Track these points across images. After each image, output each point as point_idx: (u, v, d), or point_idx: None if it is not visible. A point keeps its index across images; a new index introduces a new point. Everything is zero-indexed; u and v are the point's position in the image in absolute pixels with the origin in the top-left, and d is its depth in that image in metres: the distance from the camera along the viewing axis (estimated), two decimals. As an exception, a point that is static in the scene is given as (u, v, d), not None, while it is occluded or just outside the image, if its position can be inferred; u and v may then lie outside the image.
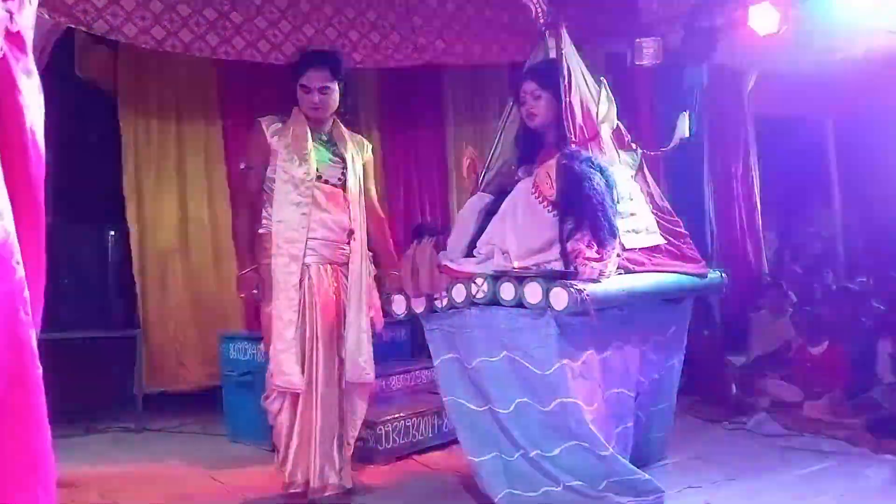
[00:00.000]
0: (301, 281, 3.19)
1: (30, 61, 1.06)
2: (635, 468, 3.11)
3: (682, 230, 3.68)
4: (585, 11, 4.95)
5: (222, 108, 5.58)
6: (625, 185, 3.42)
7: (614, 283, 3.06)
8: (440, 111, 6.30)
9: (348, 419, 3.33)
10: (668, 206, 3.72)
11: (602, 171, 3.14)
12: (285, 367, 3.14)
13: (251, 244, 3.28)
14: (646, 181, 3.70)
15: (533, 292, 2.88)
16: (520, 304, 2.94)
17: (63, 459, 3.31)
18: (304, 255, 3.18)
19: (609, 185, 3.13)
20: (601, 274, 2.96)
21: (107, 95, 5.31)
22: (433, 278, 3.08)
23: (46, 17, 3.85)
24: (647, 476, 3.12)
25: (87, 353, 4.86)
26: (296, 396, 3.19)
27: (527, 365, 2.95)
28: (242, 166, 3.35)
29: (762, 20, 4.83)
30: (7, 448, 0.99)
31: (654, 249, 3.46)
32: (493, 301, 3.01)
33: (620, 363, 3.24)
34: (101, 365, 5.08)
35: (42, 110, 1.09)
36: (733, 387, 5.20)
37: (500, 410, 3.01)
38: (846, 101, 7.15)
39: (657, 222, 3.56)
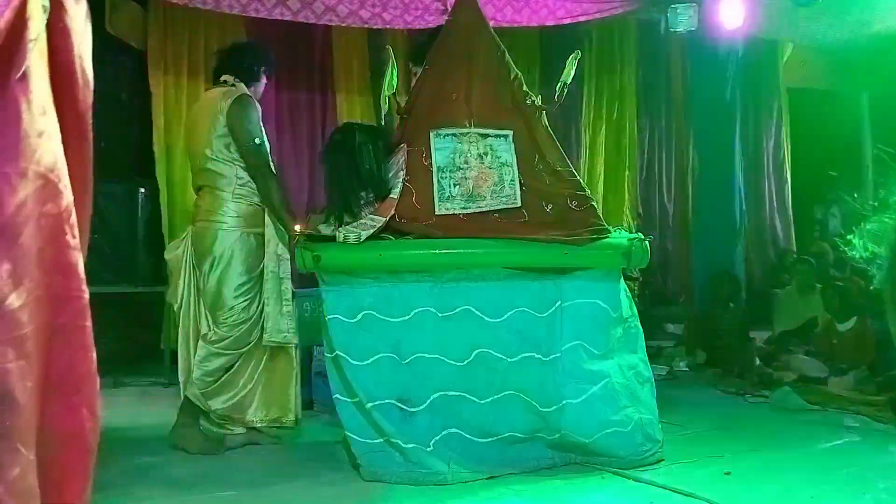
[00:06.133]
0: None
1: (78, -15, 1.06)
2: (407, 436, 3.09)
3: (581, 194, 3.40)
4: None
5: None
6: (458, 154, 3.33)
7: (371, 249, 3.12)
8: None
9: None
10: (565, 170, 3.44)
11: (366, 143, 3.29)
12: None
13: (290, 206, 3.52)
14: (534, 143, 3.43)
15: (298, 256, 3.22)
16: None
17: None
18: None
19: (367, 156, 3.26)
20: (357, 238, 3.10)
21: (137, 53, 5.32)
22: None
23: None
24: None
25: (116, 309, 4.93)
26: None
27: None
28: (258, 141, 3.44)
29: (801, -12, 4.71)
30: (53, 369, 1.01)
31: (509, 216, 3.29)
32: None
33: (431, 329, 3.16)
34: (129, 320, 5.16)
35: (90, 38, 1.09)
36: (757, 361, 5.17)
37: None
38: (882, 74, 6.98)
39: (530, 187, 3.34)
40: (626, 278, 6.43)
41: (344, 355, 3.11)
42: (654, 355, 5.82)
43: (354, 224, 3.17)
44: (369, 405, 3.08)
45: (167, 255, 3.57)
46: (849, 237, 0.40)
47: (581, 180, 3.47)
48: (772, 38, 6.52)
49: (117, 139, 5.29)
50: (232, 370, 3.49)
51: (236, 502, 2.94)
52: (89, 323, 1.08)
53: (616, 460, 3.23)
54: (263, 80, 3.64)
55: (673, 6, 5.27)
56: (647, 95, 6.82)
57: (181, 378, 3.54)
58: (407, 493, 2.96)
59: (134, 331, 5.20)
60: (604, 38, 6.64)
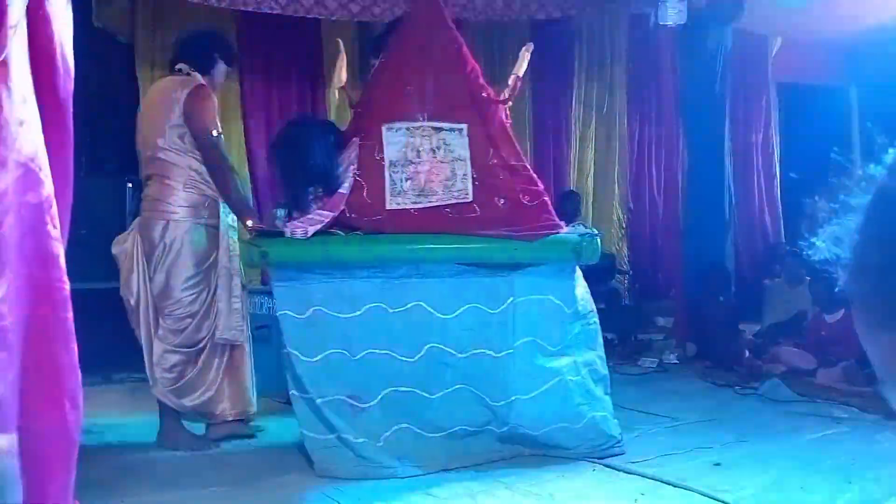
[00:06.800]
0: None
1: (58, -28, 1.04)
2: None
3: (534, 189, 3.35)
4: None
5: (240, 61, 5.54)
6: (410, 148, 3.29)
7: (318, 244, 3.13)
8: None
9: None
10: (519, 164, 3.40)
11: (316, 137, 3.28)
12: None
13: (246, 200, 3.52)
14: (489, 136, 3.38)
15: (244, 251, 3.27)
16: None
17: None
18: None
19: (316, 151, 3.24)
20: (304, 233, 3.10)
21: (124, 46, 5.28)
22: None
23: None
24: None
25: (105, 304, 4.90)
26: None
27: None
28: (216, 133, 3.38)
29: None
30: (34, 362, 1.00)
31: (461, 211, 3.26)
32: None
33: (381, 325, 3.15)
34: (118, 316, 5.11)
35: (70, 25, 1.08)
36: (746, 353, 5.19)
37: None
38: (871, 68, 7.01)
39: (483, 182, 3.30)
40: (618, 272, 6.54)
41: (294, 352, 3.09)
42: (644, 348, 5.89)
43: (302, 219, 3.15)
44: (320, 401, 3.07)
45: (114, 250, 3.44)
46: (812, 240, 0.40)
47: (534, 175, 3.42)
48: (761, 32, 6.53)
49: (105, 133, 5.25)
50: (198, 368, 3.43)
51: (227, 498, 2.93)
52: (70, 315, 1.07)
53: (564, 451, 3.24)
54: (222, 67, 3.55)
55: (662, 0, 5.28)
56: (637, 89, 6.82)
57: (149, 373, 3.47)
58: (407, 486, 2.96)
59: (123, 326, 5.16)
60: (594, 32, 6.65)
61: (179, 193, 3.34)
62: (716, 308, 5.65)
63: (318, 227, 3.11)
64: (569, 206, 6.32)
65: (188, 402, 3.43)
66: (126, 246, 3.40)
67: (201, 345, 3.43)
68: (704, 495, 2.82)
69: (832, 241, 0.42)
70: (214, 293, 3.43)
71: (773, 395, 4.42)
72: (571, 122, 6.72)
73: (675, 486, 2.93)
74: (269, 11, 4.63)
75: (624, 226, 6.93)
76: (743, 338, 5.50)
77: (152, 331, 3.42)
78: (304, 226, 3.11)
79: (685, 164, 6.40)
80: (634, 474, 3.09)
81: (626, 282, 6.72)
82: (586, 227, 3.42)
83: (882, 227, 0.39)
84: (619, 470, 3.14)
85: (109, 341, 4.55)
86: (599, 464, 3.21)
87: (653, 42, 5.89)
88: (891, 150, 0.41)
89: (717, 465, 3.20)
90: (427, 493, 2.90)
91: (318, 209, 3.19)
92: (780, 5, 5.27)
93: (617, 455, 3.28)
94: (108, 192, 5.02)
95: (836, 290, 0.43)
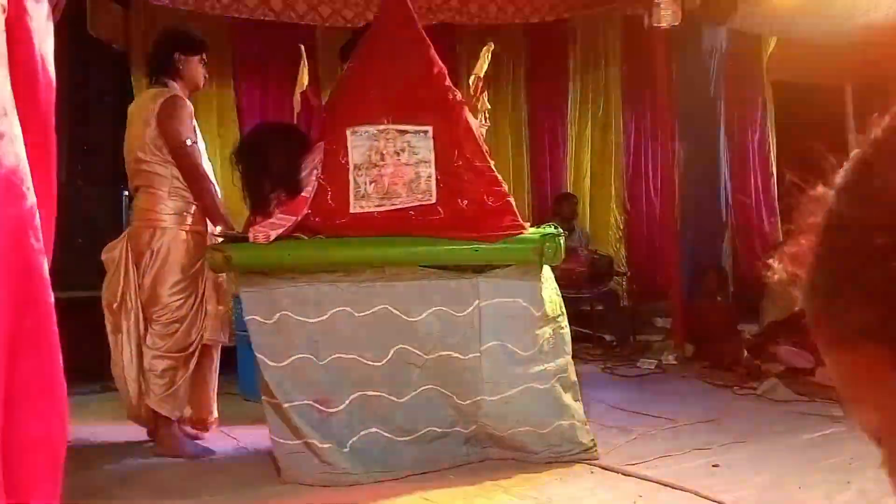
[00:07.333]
0: None
1: (38, -16, 1.04)
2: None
3: (498, 190, 3.31)
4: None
5: (235, 68, 5.56)
6: (374, 152, 3.29)
7: (279, 249, 3.12)
8: (453, 73, 6.24)
9: None
10: (482, 165, 3.33)
11: (278, 142, 3.32)
12: None
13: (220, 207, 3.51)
14: (454, 138, 3.34)
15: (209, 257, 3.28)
16: None
17: (78, 417, 3.37)
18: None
19: (278, 155, 3.26)
20: (266, 238, 3.09)
21: (119, 55, 5.28)
22: None
23: (58, -28, 3.82)
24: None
25: (102, 313, 4.90)
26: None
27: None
28: (189, 143, 3.42)
29: (783, -19, 4.73)
30: (20, 374, 1.00)
31: (424, 213, 3.24)
32: None
33: (348, 329, 3.15)
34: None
35: (51, 37, 1.08)
36: (745, 353, 5.19)
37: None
38: (866, 67, 7.01)
39: (447, 184, 3.27)
40: (616, 273, 6.53)
41: (262, 357, 3.10)
42: (642, 349, 5.89)
43: (264, 223, 3.16)
44: (287, 406, 3.06)
45: (103, 256, 3.53)
46: (769, 261, 0.41)
47: (499, 176, 3.37)
48: (755, 31, 6.54)
49: (100, 142, 5.25)
50: (189, 372, 3.47)
51: (224, 506, 2.92)
52: (55, 327, 1.07)
53: (531, 455, 3.22)
54: (193, 62, 3.55)
55: (657, 1, 5.28)
56: (632, 91, 6.83)
57: (122, 375, 3.49)
58: (404, 487, 2.96)
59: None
60: (588, 34, 6.66)
61: (165, 202, 3.41)
62: (714, 308, 5.66)
63: (280, 231, 3.11)
64: (566, 208, 6.34)
65: (189, 410, 3.50)
66: (114, 253, 3.48)
67: (191, 349, 3.47)
68: (703, 497, 2.82)
69: (790, 260, 0.43)
70: (202, 299, 3.47)
71: (772, 394, 4.42)
72: (567, 124, 6.72)
73: (673, 488, 2.93)
74: (263, 18, 4.63)
75: (621, 227, 6.94)
76: (741, 337, 5.49)
77: (142, 340, 3.45)
78: (266, 230, 3.11)
79: (681, 165, 6.41)
80: (633, 476, 3.08)
81: (623, 283, 6.72)
82: (554, 228, 3.38)
83: (831, 252, 0.40)
84: (617, 472, 3.14)
85: (106, 349, 4.54)
86: (597, 466, 3.20)
87: (647, 43, 5.90)
88: (839, 171, 0.42)
89: (716, 466, 3.19)
90: (424, 499, 2.89)
91: (280, 213, 3.19)
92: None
93: (590, 461, 3.25)
94: (103, 201, 5.03)
95: (796, 309, 0.44)
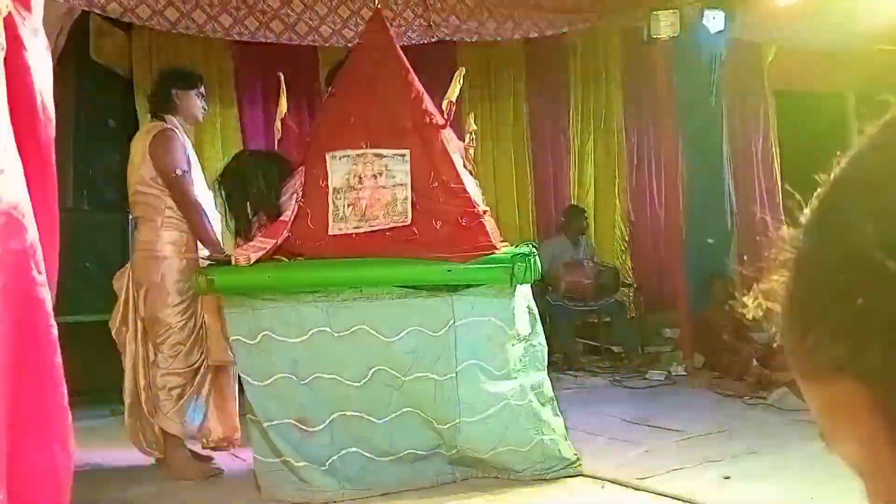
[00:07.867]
0: None
1: (36, 20, 1.05)
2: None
3: (471, 211, 3.31)
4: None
5: (238, 90, 5.60)
6: (353, 175, 3.35)
7: (260, 270, 3.18)
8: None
9: None
10: (457, 186, 3.34)
11: (258, 167, 3.42)
12: None
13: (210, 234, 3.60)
14: (430, 161, 3.37)
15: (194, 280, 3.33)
16: None
17: (87, 441, 3.37)
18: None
19: (257, 180, 3.36)
20: (247, 260, 3.17)
21: (123, 79, 5.33)
22: None
23: (61, 0, 3.87)
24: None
25: (109, 338, 4.91)
26: None
27: None
28: (180, 172, 3.51)
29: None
30: (21, 405, 1.00)
31: (400, 235, 3.27)
32: None
33: (327, 349, 3.18)
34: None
35: (50, 71, 1.09)
36: (754, 362, 5.16)
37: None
38: (868, 74, 7.01)
39: (423, 206, 3.30)
40: (622, 285, 6.52)
41: (245, 376, 3.17)
42: (651, 361, 5.87)
43: (245, 246, 3.25)
44: (267, 424, 3.11)
45: (114, 283, 3.69)
46: (743, 300, 0.41)
47: (473, 197, 3.38)
48: (755, 40, 6.55)
49: (105, 167, 5.28)
50: (195, 386, 3.54)
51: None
52: (59, 359, 1.07)
53: (515, 473, 3.22)
54: (190, 95, 3.67)
55: (655, 13, 5.31)
56: (633, 102, 6.84)
57: (127, 400, 3.59)
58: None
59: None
60: (588, 48, 6.68)
61: (161, 232, 3.52)
62: (722, 318, 5.63)
63: (261, 254, 3.19)
64: (575, 221, 6.33)
65: (218, 430, 3.56)
66: (122, 281, 3.63)
67: (196, 365, 3.55)
68: (715, 510, 2.80)
69: (764, 296, 0.44)
70: (203, 321, 3.56)
71: (783, 404, 4.38)
72: (569, 137, 6.73)
73: (685, 502, 2.91)
74: (265, 41, 4.67)
75: (627, 238, 6.93)
76: (750, 346, 5.46)
77: (139, 361, 3.55)
78: (247, 252, 3.19)
79: (685, 175, 6.41)
80: (644, 490, 3.06)
81: (630, 295, 6.70)
82: (530, 246, 3.42)
83: (800, 289, 0.41)
84: (628, 486, 3.12)
85: (114, 374, 4.55)
86: (608, 480, 3.19)
87: (647, 55, 5.92)
88: (805, 211, 0.43)
89: (727, 478, 3.17)
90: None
91: (261, 237, 3.29)
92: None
93: (573, 476, 3.24)
94: (110, 225, 5.06)
95: (774, 344, 0.45)
